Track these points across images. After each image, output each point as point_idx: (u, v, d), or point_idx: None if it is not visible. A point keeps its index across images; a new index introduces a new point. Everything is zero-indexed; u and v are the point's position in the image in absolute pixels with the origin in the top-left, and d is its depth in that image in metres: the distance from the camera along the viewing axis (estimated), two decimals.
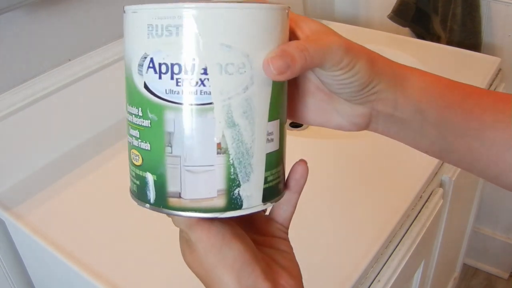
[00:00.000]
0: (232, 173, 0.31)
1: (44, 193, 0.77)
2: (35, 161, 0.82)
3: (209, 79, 0.29)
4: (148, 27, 0.29)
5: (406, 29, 1.34)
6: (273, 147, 0.33)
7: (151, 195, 0.32)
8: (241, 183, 0.31)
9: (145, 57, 0.30)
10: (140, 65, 0.30)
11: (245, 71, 0.30)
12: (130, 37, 0.31)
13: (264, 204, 0.33)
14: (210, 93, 0.29)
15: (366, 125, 0.38)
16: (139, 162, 0.32)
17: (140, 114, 0.31)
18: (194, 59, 0.29)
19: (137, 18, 0.30)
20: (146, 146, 0.31)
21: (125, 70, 0.32)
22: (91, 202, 0.73)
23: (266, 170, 0.32)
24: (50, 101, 0.81)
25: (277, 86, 0.32)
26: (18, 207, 0.74)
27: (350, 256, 0.62)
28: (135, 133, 0.31)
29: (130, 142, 0.33)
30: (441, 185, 0.84)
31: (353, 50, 0.33)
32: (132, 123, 0.32)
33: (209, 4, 0.29)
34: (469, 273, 1.65)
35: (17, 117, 0.77)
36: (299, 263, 0.64)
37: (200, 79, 0.29)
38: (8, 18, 0.74)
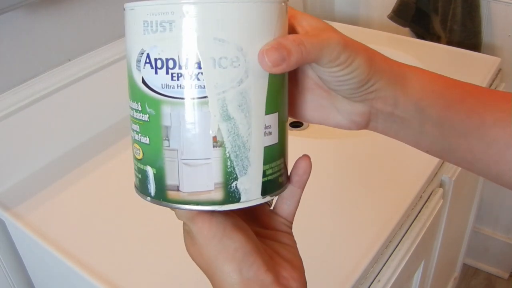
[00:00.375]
0: (229, 166, 0.31)
1: (44, 193, 0.77)
2: (35, 161, 0.82)
3: (203, 73, 0.30)
4: (144, 24, 0.30)
5: (406, 29, 1.34)
6: (271, 140, 0.33)
7: (152, 188, 0.32)
8: (238, 176, 0.31)
9: (142, 53, 0.31)
10: (138, 61, 0.31)
11: (239, 65, 0.30)
12: (129, 33, 0.32)
13: (263, 198, 0.33)
14: (204, 87, 0.30)
15: (365, 124, 0.38)
16: (140, 156, 0.33)
17: (140, 108, 0.32)
18: (188, 54, 0.29)
19: (134, 15, 0.31)
20: (145, 140, 0.32)
21: (127, 67, 0.33)
22: (91, 202, 0.73)
23: (265, 163, 0.32)
24: (50, 101, 0.81)
25: (274, 80, 0.32)
26: (18, 207, 0.74)
27: (350, 256, 0.62)
28: (136, 127, 0.32)
29: (132, 137, 0.33)
30: (441, 185, 0.84)
31: (351, 47, 0.33)
32: (133, 117, 0.33)
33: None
34: (469, 273, 1.65)
35: (17, 117, 0.77)
36: None
37: (195, 73, 0.30)
38: (8, 18, 0.74)
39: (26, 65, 0.79)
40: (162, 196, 0.32)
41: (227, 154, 0.31)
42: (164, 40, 0.30)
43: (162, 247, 0.65)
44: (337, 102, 0.38)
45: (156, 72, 0.30)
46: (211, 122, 0.30)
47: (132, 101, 0.32)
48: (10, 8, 0.68)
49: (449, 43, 1.21)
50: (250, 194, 0.32)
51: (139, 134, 0.32)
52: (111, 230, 0.69)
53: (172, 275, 0.61)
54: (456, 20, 1.18)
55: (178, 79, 0.30)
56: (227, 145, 0.31)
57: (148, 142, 0.32)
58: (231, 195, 0.31)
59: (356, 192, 0.72)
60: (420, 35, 1.33)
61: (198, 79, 0.30)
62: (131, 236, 0.68)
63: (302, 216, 0.67)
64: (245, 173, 0.31)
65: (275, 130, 0.33)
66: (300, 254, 0.64)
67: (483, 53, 1.16)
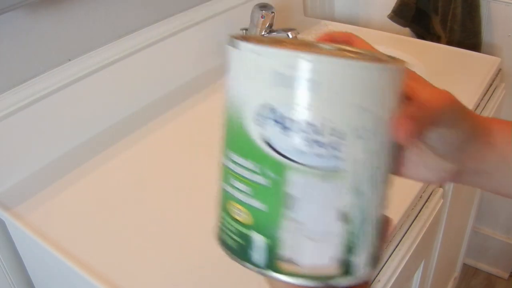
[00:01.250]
0: (351, 242, 0.29)
1: (44, 193, 0.77)
2: (35, 161, 0.82)
3: (342, 143, 0.27)
4: (275, 75, 0.26)
5: (406, 29, 1.34)
6: (384, 212, 0.31)
7: (257, 256, 0.29)
8: (358, 252, 0.29)
9: (267, 107, 0.27)
10: (259, 115, 0.27)
11: (376, 136, 0.28)
12: (246, 79, 0.28)
13: (371, 270, 0.31)
14: (340, 158, 0.27)
15: (452, 180, 0.38)
16: (245, 220, 0.29)
17: (255, 169, 0.28)
18: (328, 120, 0.26)
19: (259, 61, 0.27)
20: (259, 205, 0.28)
21: (230, 111, 0.29)
22: (91, 202, 0.73)
23: (378, 237, 0.31)
24: (50, 101, 0.81)
25: (392, 152, 0.30)
26: (18, 207, 0.74)
27: None
28: (243, 187, 0.29)
29: (230, 193, 0.30)
30: (441, 185, 0.84)
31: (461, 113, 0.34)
32: (239, 175, 0.29)
33: (352, 61, 0.27)
34: (469, 273, 1.65)
35: (17, 117, 0.77)
36: None
37: (335, 143, 0.27)
38: (8, 18, 0.74)
39: (26, 65, 0.79)
40: (271, 266, 0.29)
41: (352, 230, 0.28)
42: (300, 99, 0.26)
43: (162, 247, 0.65)
44: (427, 159, 0.36)
45: (285, 133, 0.26)
46: (341, 196, 0.28)
47: (239, 156, 0.29)
48: (10, 8, 0.68)
49: (449, 43, 1.21)
50: (365, 268, 0.30)
51: (249, 197, 0.28)
52: (111, 230, 0.69)
53: (172, 275, 0.61)
54: (456, 20, 1.18)
55: (314, 147, 0.26)
56: (355, 221, 0.28)
57: (264, 208, 0.28)
58: (348, 271, 0.29)
59: None
60: (420, 35, 1.33)
61: (337, 150, 0.27)
62: (131, 236, 0.68)
63: None
64: (364, 248, 0.29)
65: (387, 203, 0.31)
66: None
67: (483, 53, 1.16)
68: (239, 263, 0.30)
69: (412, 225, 0.75)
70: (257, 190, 0.28)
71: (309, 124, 0.26)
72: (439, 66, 1.05)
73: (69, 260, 0.65)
